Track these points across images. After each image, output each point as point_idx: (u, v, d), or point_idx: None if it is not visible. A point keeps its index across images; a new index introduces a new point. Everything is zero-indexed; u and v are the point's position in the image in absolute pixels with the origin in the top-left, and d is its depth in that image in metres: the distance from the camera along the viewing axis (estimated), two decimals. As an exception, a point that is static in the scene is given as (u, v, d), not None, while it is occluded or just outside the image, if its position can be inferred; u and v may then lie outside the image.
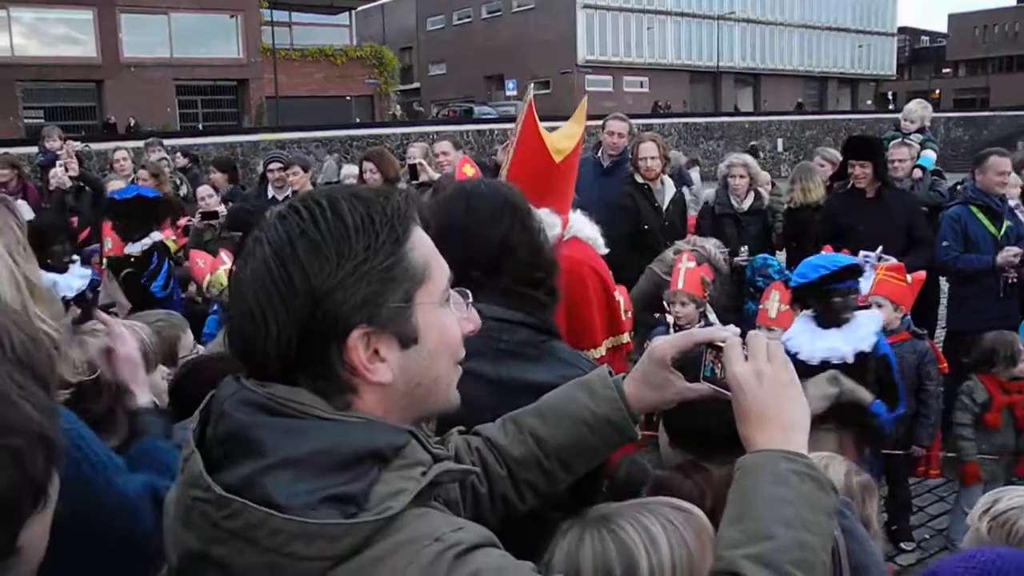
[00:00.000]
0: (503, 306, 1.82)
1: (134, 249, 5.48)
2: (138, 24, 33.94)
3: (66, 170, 7.83)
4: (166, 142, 11.71)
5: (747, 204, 6.41)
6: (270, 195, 7.32)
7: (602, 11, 53.35)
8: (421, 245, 1.13)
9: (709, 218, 6.53)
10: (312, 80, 39.27)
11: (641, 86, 54.95)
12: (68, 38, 33.35)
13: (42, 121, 30.85)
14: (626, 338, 3.12)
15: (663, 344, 1.43)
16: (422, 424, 1.34)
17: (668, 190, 6.40)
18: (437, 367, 1.15)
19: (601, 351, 2.81)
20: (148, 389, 2.01)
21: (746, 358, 1.29)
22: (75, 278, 4.98)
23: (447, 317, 1.17)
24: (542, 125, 2.81)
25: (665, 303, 4.91)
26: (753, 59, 61.12)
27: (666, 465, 1.78)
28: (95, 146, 19.80)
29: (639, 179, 6.30)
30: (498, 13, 56.48)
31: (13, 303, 1.52)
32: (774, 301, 4.60)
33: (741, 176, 6.40)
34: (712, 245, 5.45)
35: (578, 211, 3.03)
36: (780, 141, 40.49)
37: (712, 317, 4.93)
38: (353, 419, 1.06)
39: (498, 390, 1.73)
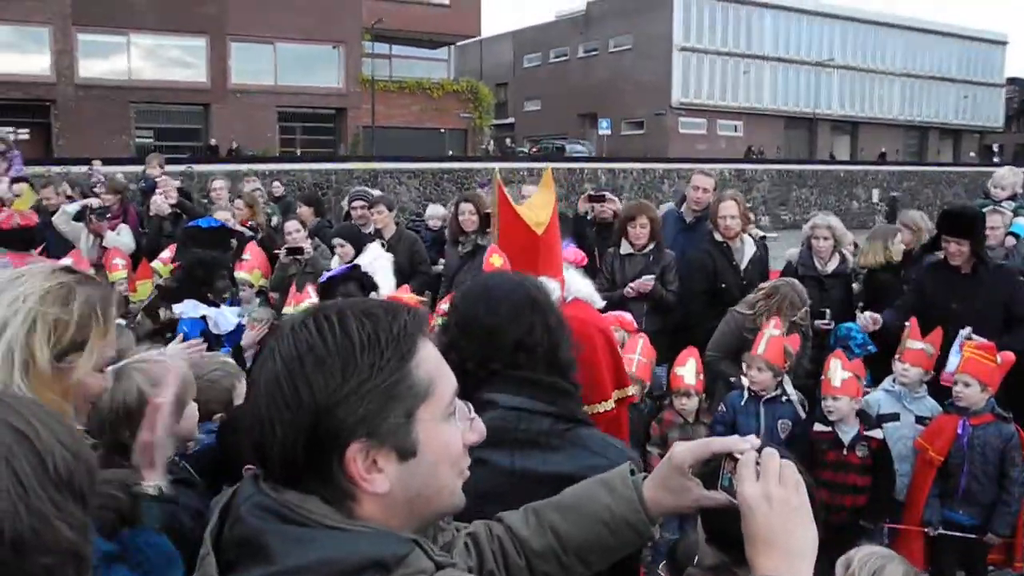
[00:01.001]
0: (524, 396, 1.82)
1: None
2: (246, 52, 35.29)
3: (165, 197, 8.19)
4: (264, 167, 12.09)
5: (831, 267, 6.23)
6: (354, 231, 7.53)
7: (699, 54, 53.09)
8: (427, 361, 1.16)
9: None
10: (408, 112, 40.09)
11: (735, 130, 54.43)
12: (181, 62, 34.83)
13: (151, 141, 32.35)
14: (631, 390, 3.33)
15: (682, 451, 1.44)
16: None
17: (748, 249, 6.30)
18: (438, 479, 1.18)
19: (611, 404, 2.99)
20: (162, 472, 1.95)
21: (759, 476, 1.28)
22: (232, 315, 5.06)
23: (450, 431, 1.20)
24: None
25: (744, 364, 4.82)
26: (852, 107, 59.97)
27: (701, 562, 1.77)
28: (197, 168, 20.68)
29: (718, 237, 6.25)
30: (595, 53, 56.72)
31: None
32: (836, 370, 4.48)
33: (825, 238, 6.23)
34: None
35: (571, 269, 3.18)
36: (875, 192, 39.48)
37: (789, 388, 4.79)
38: (360, 528, 1.10)
39: (515, 481, 1.73)
